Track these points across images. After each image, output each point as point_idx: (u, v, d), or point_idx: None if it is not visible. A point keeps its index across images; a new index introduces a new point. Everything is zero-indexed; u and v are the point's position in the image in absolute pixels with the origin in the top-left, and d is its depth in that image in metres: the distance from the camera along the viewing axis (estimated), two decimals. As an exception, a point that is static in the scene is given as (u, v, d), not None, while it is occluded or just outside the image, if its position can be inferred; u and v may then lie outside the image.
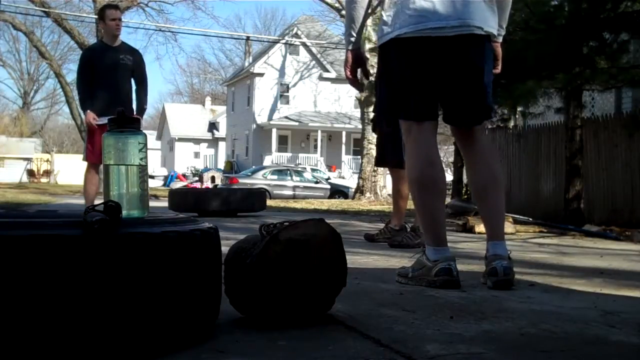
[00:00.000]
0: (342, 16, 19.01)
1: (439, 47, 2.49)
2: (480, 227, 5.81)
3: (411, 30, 2.48)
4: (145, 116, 5.92)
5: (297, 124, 35.24)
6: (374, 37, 13.74)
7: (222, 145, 44.96)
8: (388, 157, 4.60)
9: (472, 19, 2.49)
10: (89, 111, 5.38)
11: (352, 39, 2.73)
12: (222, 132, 45.03)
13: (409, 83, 2.56)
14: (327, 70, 35.85)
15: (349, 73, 2.80)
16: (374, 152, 15.90)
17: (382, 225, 4.90)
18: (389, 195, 14.89)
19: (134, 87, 5.66)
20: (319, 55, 35.94)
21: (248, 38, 38.90)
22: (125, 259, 1.31)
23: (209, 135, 47.58)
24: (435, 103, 2.62)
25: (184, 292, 1.42)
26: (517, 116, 9.99)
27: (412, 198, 2.68)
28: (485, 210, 2.68)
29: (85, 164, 5.53)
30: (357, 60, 2.78)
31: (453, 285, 2.47)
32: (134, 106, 5.64)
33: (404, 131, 2.69)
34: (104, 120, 5.30)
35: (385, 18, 2.57)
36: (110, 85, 5.43)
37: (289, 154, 34.92)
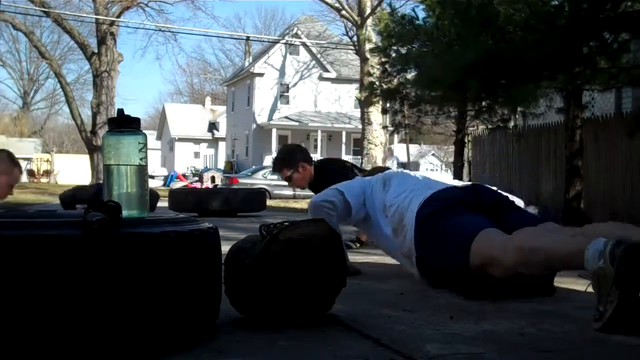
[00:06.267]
0: (342, 16, 18.94)
1: None
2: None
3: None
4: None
5: (297, 124, 35.21)
6: (374, 38, 13.72)
7: (222, 145, 44.93)
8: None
9: None
10: None
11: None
12: (222, 132, 45.01)
13: None
14: (327, 70, 35.82)
15: None
16: (374, 152, 16.01)
17: None
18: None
19: None
20: (319, 55, 35.91)
21: (248, 38, 38.86)
22: (125, 259, 1.31)
23: (209, 135, 47.56)
24: None
25: (184, 292, 1.42)
26: (517, 116, 10.00)
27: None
28: None
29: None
30: None
31: None
32: None
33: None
34: None
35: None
36: None
37: (289, 154, 34.83)
